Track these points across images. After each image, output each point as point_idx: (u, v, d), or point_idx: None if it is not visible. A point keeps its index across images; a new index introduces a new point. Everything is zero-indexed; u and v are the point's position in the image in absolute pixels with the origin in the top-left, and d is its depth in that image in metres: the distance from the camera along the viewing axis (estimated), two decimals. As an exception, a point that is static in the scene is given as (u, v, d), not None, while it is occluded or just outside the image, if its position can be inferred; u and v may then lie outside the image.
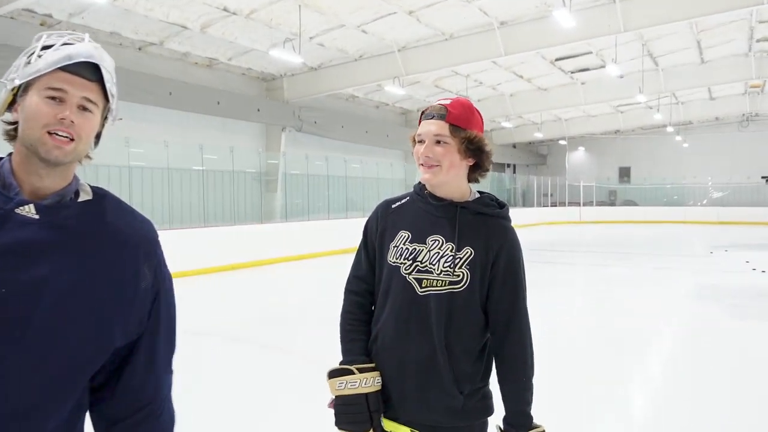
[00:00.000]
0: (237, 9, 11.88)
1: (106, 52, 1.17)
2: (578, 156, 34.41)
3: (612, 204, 32.45)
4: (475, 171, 1.73)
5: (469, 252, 1.65)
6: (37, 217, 1.09)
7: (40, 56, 1.10)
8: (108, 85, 1.14)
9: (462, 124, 1.65)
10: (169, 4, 11.34)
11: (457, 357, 1.64)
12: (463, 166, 1.68)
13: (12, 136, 1.14)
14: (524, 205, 30.51)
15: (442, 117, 1.64)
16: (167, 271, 1.28)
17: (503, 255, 1.67)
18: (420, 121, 1.70)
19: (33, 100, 1.09)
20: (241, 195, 15.71)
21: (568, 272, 12.53)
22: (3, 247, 1.05)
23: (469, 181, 1.75)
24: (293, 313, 7.90)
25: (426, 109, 1.70)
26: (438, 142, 1.64)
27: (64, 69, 1.10)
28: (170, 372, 1.30)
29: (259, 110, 16.06)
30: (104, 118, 1.18)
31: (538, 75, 19.35)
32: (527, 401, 1.66)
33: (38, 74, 1.08)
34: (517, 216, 23.08)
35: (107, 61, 1.15)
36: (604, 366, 5.30)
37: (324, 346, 5.55)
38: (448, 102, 1.68)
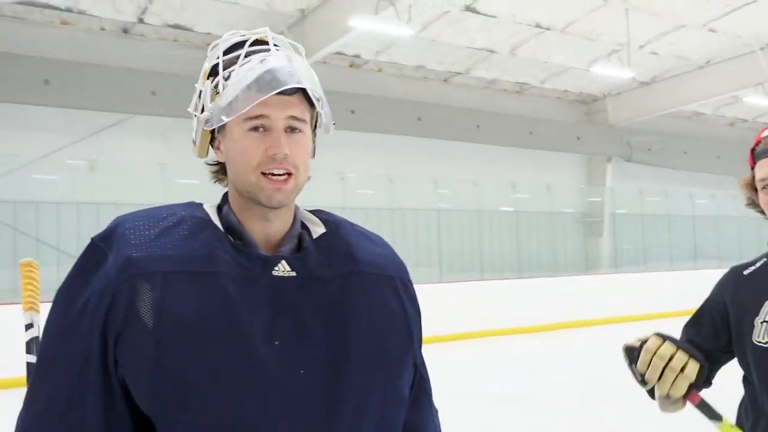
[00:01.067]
0: (551, 24, 11.71)
1: (295, 50, 1.13)
2: None
3: None
4: None
5: None
6: (294, 274, 1.07)
7: (226, 78, 1.05)
8: (311, 92, 1.07)
9: None
10: (476, 28, 11.60)
11: None
12: None
13: (220, 177, 1.15)
14: None
15: None
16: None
17: None
18: (754, 161, 1.53)
19: (234, 137, 1.07)
20: (559, 239, 15.37)
21: None
22: (285, 319, 1.04)
23: None
24: (625, 389, 6.89)
25: (758, 142, 1.52)
26: None
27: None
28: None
29: (578, 138, 15.54)
30: (314, 128, 1.14)
31: None
32: None
33: (234, 114, 1.03)
34: None
35: (305, 65, 1.09)
36: None
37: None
38: None
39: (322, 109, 1.11)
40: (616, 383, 7.05)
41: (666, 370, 1.40)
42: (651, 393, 1.52)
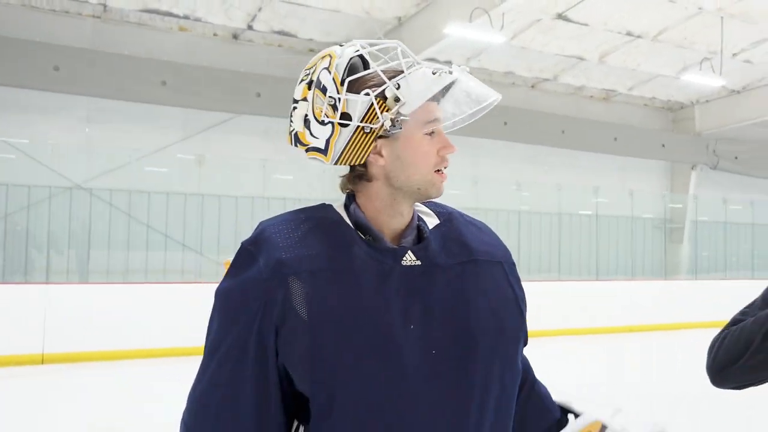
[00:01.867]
0: (643, 32, 11.35)
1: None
2: None
3: None
4: None
5: None
6: (419, 263, 1.14)
7: (397, 87, 1.09)
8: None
9: None
10: (566, 35, 11.38)
11: None
12: None
13: (357, 184, 1.18)
14: None
15: None
16: None
17: None
18: None
19: (413, 141, 1.12)
20: (638, 244, 15.03)
21: None
22: (417, 304, 1.11)
23: None
24: (697, 394, 6.73)
25: None
26: None
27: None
28: None
29: (663, 146, 15.01)
30: None
31: None
32: None
33: (440, 124, 1.15)
34: None
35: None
36: None
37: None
38: None
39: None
40: (689, 387, 6.87)
41: None
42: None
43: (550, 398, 1.37)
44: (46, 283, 8.52)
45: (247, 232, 1.21)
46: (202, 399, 1.11)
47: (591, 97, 14.82)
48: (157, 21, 10.34)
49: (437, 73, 1.10)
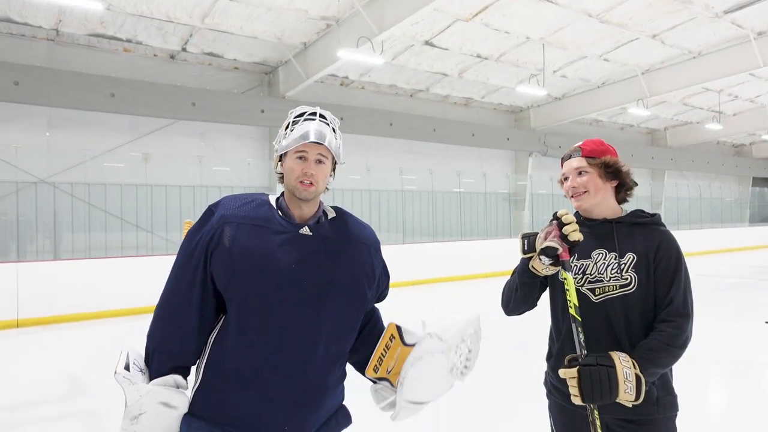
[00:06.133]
0: (488, 54, 11.75)
1: (332, 120, 1.50)
2: None
3: None
4: (621, 191, 1.71)
5: (632, 257, 1.61)
6: (311, 234, 1.46)
7: (292, 130, 1.45)
8: (330, 145, 1.45)
9: (596, 154, 1.67)
10: (433, 57, 11.62)
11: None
12: (608, 188, 1.69)
13: (280, 179, 1.52)
14: (794, 219, 24.40)
15: (578, 153, 1.69)
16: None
17: (662, 253, 1.59)
18: (562, 166, 1.74)
19: (288, 160, 1.46)
20: (492, 213, 15.53)
21: None
22: (301, 256, 1.42)
23: (619, 203, 1.72)
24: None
25: (564, 156, 1.75)
26: (580, 173, 1.68)
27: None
28: None
29: (508, 139, 15.57)
30: (334, 163, 1.52)
31: (807, 83, 15.39)
32: (657, 363, 1.53)
33: (288, 149, 1.46)
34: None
35: (330, 131, 1.47)
36: None
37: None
38: (579, 143, 1.72)
39: (338, 152, 1.48)
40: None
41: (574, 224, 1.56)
42: (528, 261, 1.67)
43: (379, 326, 1.64)
44: (17, 261, 8.13)
45: (188, 214, 1.72)
46: (167, 285, 1.47)
47: (455, 103, 15.11)
48: (104, 43, 9.88)
49: (309, 128, 1.45)
